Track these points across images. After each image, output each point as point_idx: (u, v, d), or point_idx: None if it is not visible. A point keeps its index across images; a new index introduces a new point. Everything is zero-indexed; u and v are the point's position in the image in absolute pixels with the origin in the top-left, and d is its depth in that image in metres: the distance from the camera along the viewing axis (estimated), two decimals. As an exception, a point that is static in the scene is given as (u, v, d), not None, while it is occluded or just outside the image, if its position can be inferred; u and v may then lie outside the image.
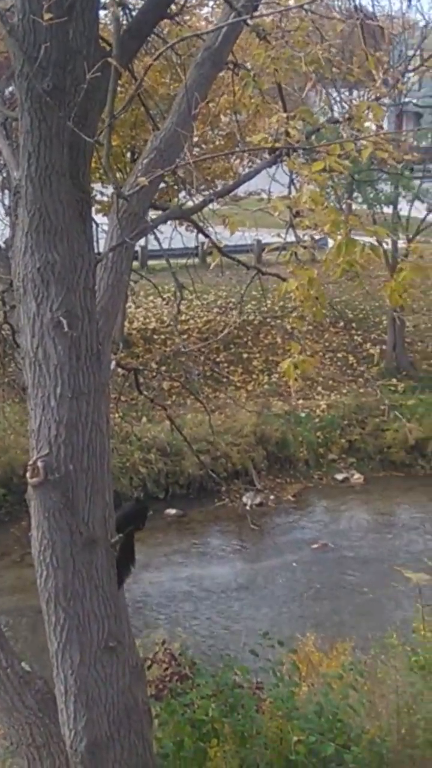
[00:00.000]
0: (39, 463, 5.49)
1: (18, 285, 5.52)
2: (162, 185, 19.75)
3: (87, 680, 5.84)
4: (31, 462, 5.54)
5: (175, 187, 18.61)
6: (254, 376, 24.66)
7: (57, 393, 5.50)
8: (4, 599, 16.40)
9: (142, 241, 27.93)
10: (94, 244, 5.89)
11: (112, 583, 5.89)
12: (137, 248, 27.71)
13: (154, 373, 20.25)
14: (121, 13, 7.09)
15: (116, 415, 22.13)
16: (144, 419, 22.04)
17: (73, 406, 5.53)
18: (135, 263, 27.79)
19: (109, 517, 6.87)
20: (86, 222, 5.53)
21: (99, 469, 5.71)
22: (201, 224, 9.70)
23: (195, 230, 10.49)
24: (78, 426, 5.56)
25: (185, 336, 24.45)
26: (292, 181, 7.03)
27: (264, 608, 17.19)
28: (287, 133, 6.05)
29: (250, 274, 8.70)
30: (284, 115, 6.06)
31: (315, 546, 19.79)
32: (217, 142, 23.69)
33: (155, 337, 24.88)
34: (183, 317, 25.60)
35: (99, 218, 9.55)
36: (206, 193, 10.04)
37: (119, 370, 11.09)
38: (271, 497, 21.86)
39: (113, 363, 9.27)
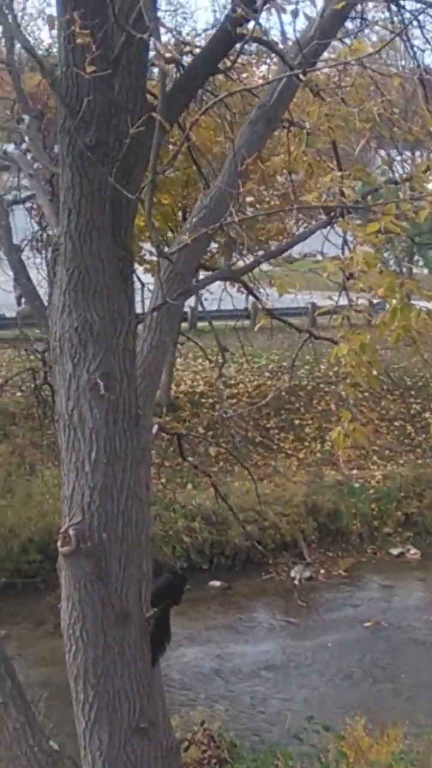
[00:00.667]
0: (71, 531, 5.43)
1: (54, 344, 5.52)
2: (214, 245, 19.94)
3: (116, 763, 5.70)
4: (62, 529, 5.48)
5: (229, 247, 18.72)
6: (306, 444, 24.47)
7: (92, 458, 5.46)
8: (37, 671, 16.24)
9: (191, 302, 28.09)
10: (142, 303, 5.88)
11: (145, 660, 5.77)
12: (186, 309, 27.86)
13: (200, 439, 20.16)
14: (172, 67, 7.17)
15: (160, 481, 22.01)
16: (189, 486, 21.92)
17: (108, 472, 5.48)
18: (184, 324, 27.93)
19: (146, 589, 6.77)
20: (127, 281, 5.53)
21: (135, 538, 5.63)
22: (251, 285, 9.69)
23: (246, 292, 10.50)
24: (113, 492, 5.50)
25: (234, 401, 24.40)
26: (345, 242, 6.99)
27: (311, 689, 16.82)
28: (342, 193, 6.02)
29: (302, 338, 8.65)
30: (339, 174, 6.03)
31: (367, 624, 19.39)
32: (273, 202, 23.83)
33: (203, 400, 24.85)
34: (232, 381, 25.57)
35: (148, 278, 9.60)
36: (259, 253, 10.04)
37: (162, 434, 11.07)
38: (322, 571, 21.51)
39: (156, 427, 9.24)
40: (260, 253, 9.82)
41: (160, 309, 8.53)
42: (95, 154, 5.09)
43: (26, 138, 6.04)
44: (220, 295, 12.74)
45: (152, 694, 5.85)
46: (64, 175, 5.19)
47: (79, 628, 5.53)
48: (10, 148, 6.68)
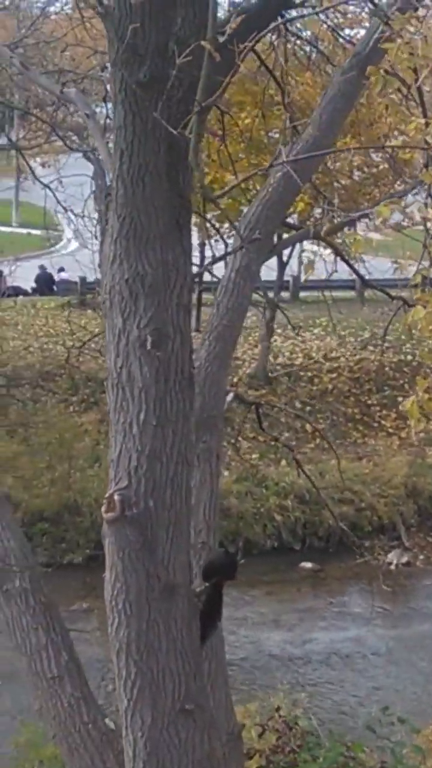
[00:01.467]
0: (116, 497, 5.28)
1: (105, 297, 5.35)
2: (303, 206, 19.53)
3: (158, 745, 5.54)
4: (107, 495, 5.33)
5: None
6: (408, 423, 24.01)
7: (140, 419, 5.28)
8: (94, 648, 16.31)
9: (294, 271, 27.75)
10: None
11: (192, 637, 5.59)
12: (288, 278, 27.56)
13: (282, 409, 19.86)
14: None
15: (253, 456, 21.94)
16: (283, 462, 21.72)
17: (157, 435, 5.30)
18: (285, 294, 27.65)
19: (198, 561, 6.61)
20: (183, 231, 5.31)
21: (183, 506, 5.45)
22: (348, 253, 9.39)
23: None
24: (162, 457, 5.32)
25: (334, 375, 24.05)
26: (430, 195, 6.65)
27: (402, 681, 16.51)
28: (426, 142, 5.71)
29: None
30: (422, 120, 5.72)
31: (467, 615, 18.99)
32: (381, 167, 23.29)
33: (301, 374, 24.57)
34: (334, 354, 25.21)
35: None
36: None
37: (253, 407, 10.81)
38: (421, 557, 21.09)
39: (231, 395, 9.05)
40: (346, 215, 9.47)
41: (239, 270, 8.34)
42: (149, 90, 4.89)
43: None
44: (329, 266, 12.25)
45: (200, 674, 5.68)
46: (117, 113, 5.01)
47: (122, 600, 5.38)
48: (68, 88, 6.52)
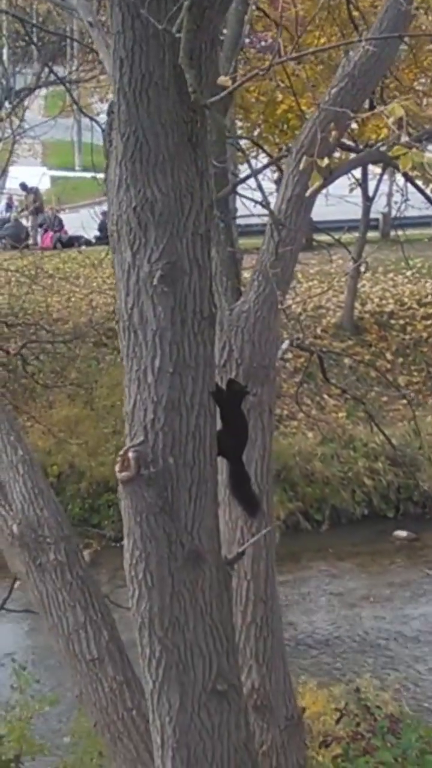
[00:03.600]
0: (130, 454, 5.14)
1: (112, 229, 5.19)
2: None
3: (189, 731, 5.43)
4: (121, 452, 5.20)
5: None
6: None
7: (155, 366, 5.13)
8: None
9: (383, 207, 27.27)
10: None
11: (223, 610, 5.46)
12: (378, 215, 27.10)
13: (365, 364, 19.59)
14: None
15: (339, 415, 21.73)
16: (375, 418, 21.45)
17: (175, 384, 5.14)
18: (374, 234, 27.19)
19: (250, 529, 6.50)
20: (198, 150, 5.11)
21: (208, 464, 5.29)
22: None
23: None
24: (181, 409, 5.16)
25: (429, 322, 23.64)
26: None
27: None
28: None
29: None
30: None
31: None
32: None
33: (392, 322, 24.21)
34: (429, 299, 24.78)
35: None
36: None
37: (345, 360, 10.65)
38: None
39: (286, 342, 8.87)
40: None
41: (293, 200, 8.12)
42: (148, -12, 4.68)
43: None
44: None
45: (233, 651, 5.55)
46: (113, 16, 4.82)
47: (142, 570, 5.26)
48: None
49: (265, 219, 7.86)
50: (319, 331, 23.15)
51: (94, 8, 5.78)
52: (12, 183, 33.92)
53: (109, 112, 5.14)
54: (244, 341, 7.90)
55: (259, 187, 5.82)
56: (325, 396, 21.22)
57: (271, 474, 7.99)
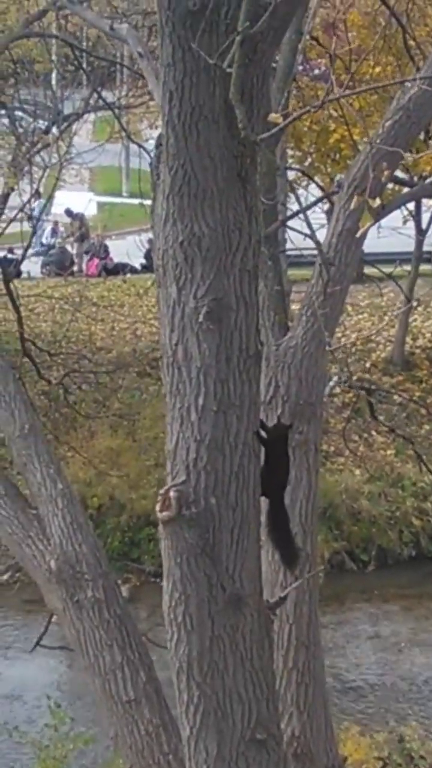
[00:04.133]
0: (171, 493, 5.15)
1: (158, 264, 5.23)
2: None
3: (226, 781, 5.41)
4: (162, 491, 5.21)
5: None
6: None
7: (199, 404, 5.15)
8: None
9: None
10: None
11: (264, 656, 5.44)
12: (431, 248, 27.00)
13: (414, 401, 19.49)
14: None
15: (388, 452, 21.63)
16: (424, 457, 21.33)
17: (219, 422, 5.15)
18: (427, 267, 27.09)
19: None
20: (247, 186, 5.13)
21: (251, 505, 5.29)
22: None
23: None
24: (224, 448, 5.17)
25: None
26: None
27: None
28: None
29: None
30: None
31: None
32: None
33: (446, 358, 24.14)
34: None
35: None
36: None
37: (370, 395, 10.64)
38: None
39: (334, 379, 8.85)
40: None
41: (343, 235, 8.13)
42: (201, 20, 4.73)
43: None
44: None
45: (274, 699, 5.52)
46: (164, 48, 4.86)
47: (182, 613, 5.25)
48: (120, 25, 6.42)
49: (315, 251, 7.87)
50: (368, 365, 23.09)
51: (144, 38, 5.85)
52: (58, 208, 34.19)
53: (157, 145, 5.19)
54: (291, 378, 7.89)
55: (308, 225, 5.83)
56: (374, 432, 21.14)
57: (316, 514, 7.96)
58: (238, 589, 5.29)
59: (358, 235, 6.86)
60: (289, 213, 14.60)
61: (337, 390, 17.27)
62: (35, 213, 23.74)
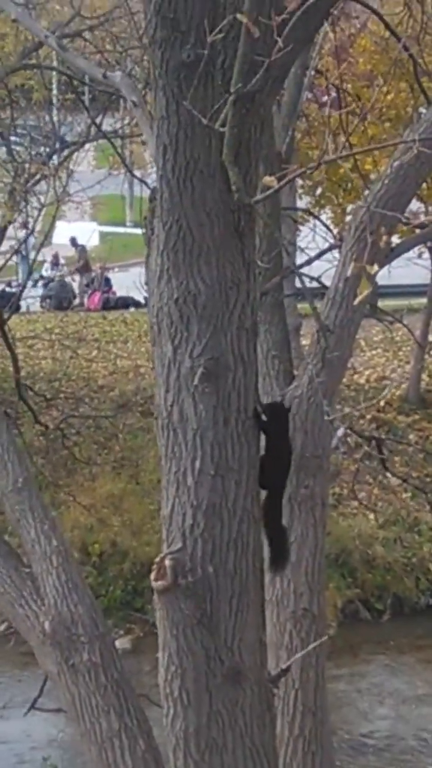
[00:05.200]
0: (167, 561, 5.17)
1: (153, 321, 5.27)
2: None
3: None
4: (157, 559, 5.23)
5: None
6: None
7: (195, 468, 5.17)
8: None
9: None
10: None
11: (264, 732, 5.43)
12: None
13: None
14: None
15: (404, 495, 21.59)
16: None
17: (216, 487, 5.18)
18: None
19: (298, 632, 6.45)
20: (244, 240, 5.18)
21: (251, 573, 5.30)
22: None
23: None
24: (222, 514, 5.20)
25: None
26: None
27: None
28: None
29: None
30: None
31: None
32: None
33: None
34: None
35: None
36: None
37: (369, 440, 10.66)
38: None
39: (341, 429, 8.87)
40: None
41: (350, 280, 8.15)
42: (194, 73, 4.78)
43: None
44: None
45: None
46: (158, 101, 4.92)
47: (178, 687, 5.26)
48: (113, 73, 6.48)
49: (327, 282, 7.90)
50: (382, 403, 23.07)
51: (138, 86, 5.92)
52: (60, 238, 34.28)
53: (151, 199, 5.24)
54: (296, 429, 7.89)
55: (313, 279, 5.86)
56: (388, 474, 21.10)
57: (323, 573, 7.96)
58: (237, 662, 5.29)
59: (356, 302, 6.90)
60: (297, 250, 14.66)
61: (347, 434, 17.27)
62: (29, 249, 23.83)
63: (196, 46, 4.80)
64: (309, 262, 6.32)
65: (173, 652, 5.26)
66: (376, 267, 4.89)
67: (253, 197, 4.72)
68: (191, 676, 5.25)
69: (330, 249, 6.62)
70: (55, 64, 19.48)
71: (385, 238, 5.18)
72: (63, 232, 34.38)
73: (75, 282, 33.25)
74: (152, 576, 5.24)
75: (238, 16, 4.17)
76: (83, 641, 7.42)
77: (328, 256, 8.62)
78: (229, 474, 5.21)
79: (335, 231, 15.18)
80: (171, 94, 4.89)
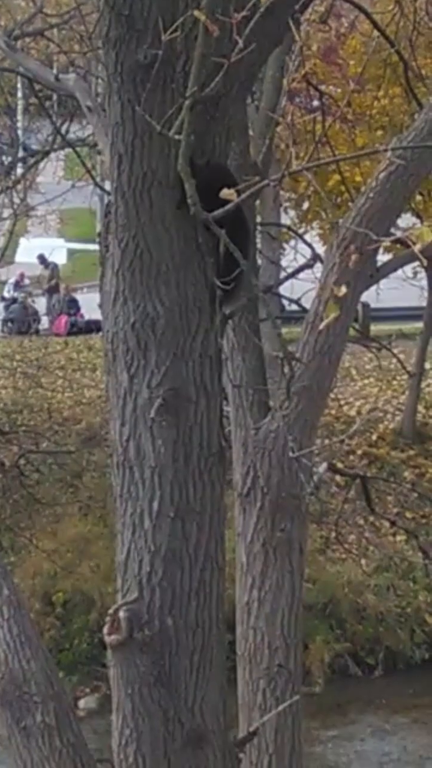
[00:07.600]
0: (121, 613, 5.13)
1: (107, 348, 5.24)
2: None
3: None
4: (111, 611, 5.19)
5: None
6: None
7: (153, 509, 5.13)
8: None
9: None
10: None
11: (230, 803, 5.38)
12: None
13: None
14: None
15: (397, 539, 21.62)
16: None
17: (176, 531, 5.13)
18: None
19: (273, 691, 6.43)
20: (206, 259, 5.16)
21: (214, 627, 5.26)
22: None
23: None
24: (183, 561, 5.15)
25: None
26: None
27: None
28: None
29: None
30: None
31: None
32: None
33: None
34: None
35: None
36: None
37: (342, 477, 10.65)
38: None
39: (323, 465, 8.85)
40: None
41: (327, 302, 8.15)
42: (151, 76, 4.77)
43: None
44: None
45: None
46: (111, 104, 4.91)
47: (133, 753, 5.21)
48: (66, 75, 6.49)
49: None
50: (374, 438, 23.11)
51: (93, 91, 5.90)
52: (27, 256, 34.26)
53: (106, 213, 5.22)
54: (272, 466, 7.87)
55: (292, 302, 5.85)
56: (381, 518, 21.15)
57: (301, 626, 7.92)
58: (199, 724, 5.24)
59: (320, 327, 6.90)
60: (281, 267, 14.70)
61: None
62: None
63: (153, 46, 4.79)
64: (280, 283, 6.30)
65: (128, 713, 5.22)
66: (344, 289, 4.86)
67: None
68: (148, 740, 5.21)
69: (303, 268, 6.61)
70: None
71: (354, 258, 5.17)
72: (27, 250, 34.38)
73: (36, 304, 33.19)
74: (105, 629, 5.20)
75: (196, 12, 4.16)
76: (36, 701, 7.35)
77: (309, 275, 8.62)
78: (191, 516, 5.17)
79: (323, 248, 15.17)
80: (126, 98, 4.87)
